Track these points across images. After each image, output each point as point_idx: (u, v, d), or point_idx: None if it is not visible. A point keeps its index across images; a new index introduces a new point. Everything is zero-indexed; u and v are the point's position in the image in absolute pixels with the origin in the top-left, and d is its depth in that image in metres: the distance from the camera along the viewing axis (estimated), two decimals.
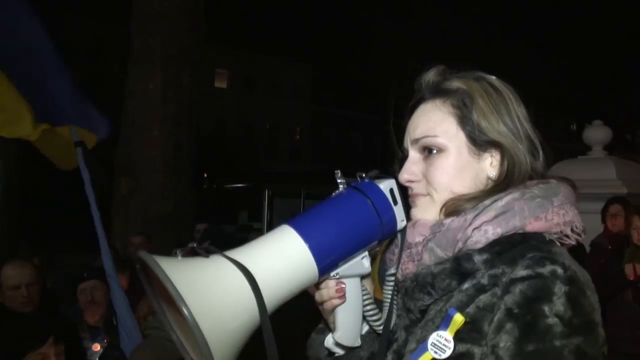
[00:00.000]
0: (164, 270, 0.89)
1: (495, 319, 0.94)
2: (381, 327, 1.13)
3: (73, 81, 3.82)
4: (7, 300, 3.04)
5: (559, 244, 1.02)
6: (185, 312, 0.86)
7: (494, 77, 1.12)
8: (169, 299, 0.94)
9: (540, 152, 1.09)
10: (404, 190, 1.13)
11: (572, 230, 1.04)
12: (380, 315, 1.13)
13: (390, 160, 1.20)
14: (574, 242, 1.04)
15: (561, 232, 1.03)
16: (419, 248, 1.06)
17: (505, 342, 0.91)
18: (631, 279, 3.92)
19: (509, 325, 0.92)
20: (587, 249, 4.62)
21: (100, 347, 3.30)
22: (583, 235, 1.06)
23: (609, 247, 4.42)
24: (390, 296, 1.13)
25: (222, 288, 0.95)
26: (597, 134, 6.70)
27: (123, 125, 6.88)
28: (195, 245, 0.98)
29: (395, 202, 1.10)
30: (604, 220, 4.67)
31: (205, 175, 21.71)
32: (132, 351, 3.04)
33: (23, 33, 3.57)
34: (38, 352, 2.37)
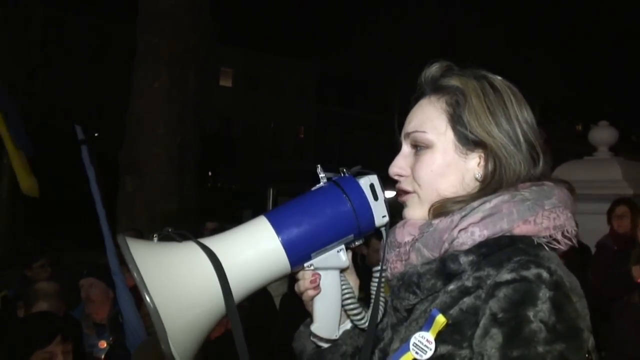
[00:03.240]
0: (131, 252, 0.92)
1: (481, 324, 0.93)
2: (362, 322, 1.13)
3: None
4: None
5: (547, 248, 1.00)
6: (146, 294, 0.88)
7: (498, 78, 1.09)
8: None
9: (541, 156, 1.06)
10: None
11: (563, 234, 1.02)
12: (360, 310, 1.14)
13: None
14: (563, 247, 1.02)
15: (550, 236, 1.01)
16: (407, 248, 1.06)
17: (490, 348, 0.90)
18: (638, 281, 3.89)
19: (494, 331, 0.91)
20: (593, 250, 4.60)
21: (106, 344, 3.31)
22: (574, 240, 1.03)
23: (615, 248, 4.40)
24: (375, 293, 1.13)
25: (188, 271, 0.96)
26: (602, 134, 6.67)
27: (128, 124, 6.90)
28: (170, 230, 1.00)
29: (376, 198, 1.10)
30: (609, 221, 4.65)
31: (210, 174, 21.73)
32: (135, 349, 3.05)
33: None
34: (45, 350, 2.36)
